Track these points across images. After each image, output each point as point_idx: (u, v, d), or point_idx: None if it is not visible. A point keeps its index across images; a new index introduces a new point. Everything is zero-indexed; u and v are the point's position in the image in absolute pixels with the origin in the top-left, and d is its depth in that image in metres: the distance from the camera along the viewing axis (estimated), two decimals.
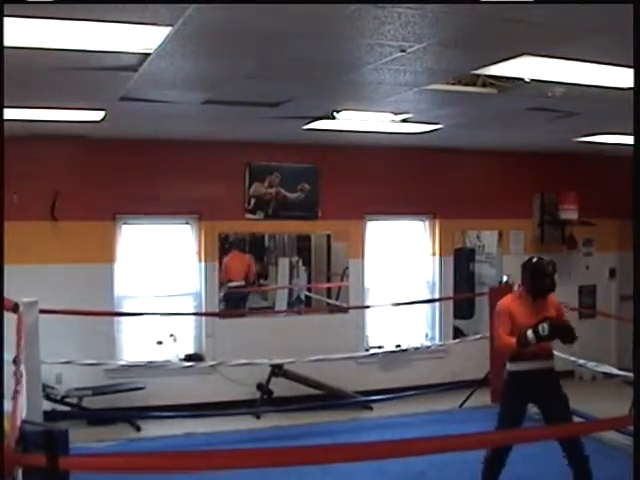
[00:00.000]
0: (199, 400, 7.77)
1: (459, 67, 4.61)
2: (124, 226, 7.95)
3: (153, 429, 7.31)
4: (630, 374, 5.83)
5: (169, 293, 8.19)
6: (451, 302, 9.15)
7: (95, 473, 2.98)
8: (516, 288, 5.92)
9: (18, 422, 3.32)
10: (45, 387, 6.36)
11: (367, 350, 8.70)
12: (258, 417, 7.74)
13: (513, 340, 4.87)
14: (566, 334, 4.87)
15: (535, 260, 5.22)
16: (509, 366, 5.08)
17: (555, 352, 5.35)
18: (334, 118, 6.20)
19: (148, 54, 4.05)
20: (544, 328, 4.75)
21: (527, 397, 5.06)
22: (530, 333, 4.77)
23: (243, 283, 8.45)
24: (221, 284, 8.24)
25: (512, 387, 5.07)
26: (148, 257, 8.10)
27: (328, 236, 8.76)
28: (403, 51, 3.98)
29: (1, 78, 3.16)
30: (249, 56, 4.20)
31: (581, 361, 7.78)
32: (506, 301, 5.19)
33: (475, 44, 3.96)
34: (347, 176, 8.50)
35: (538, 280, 5.08)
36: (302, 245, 8.68)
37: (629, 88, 4.46)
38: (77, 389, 7.30)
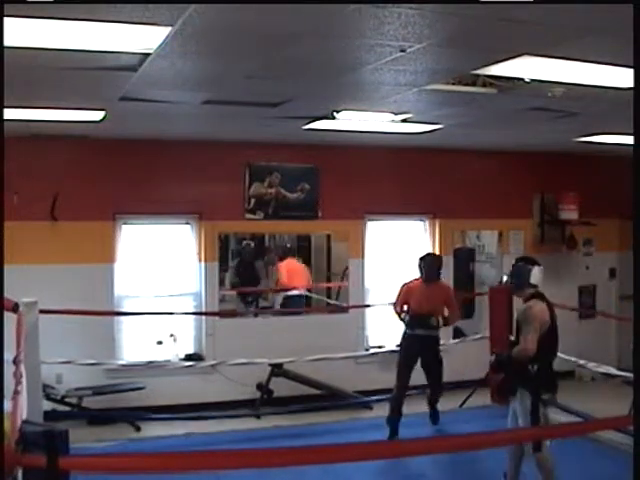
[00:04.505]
0: (199, 400, 7.77)
1: (459, 67, 4.61)
2: (124, 226, 7.95)
3: (153, 429, 7.31)
4: (630, 374, 5.83)
5: (169, 293, 8.20)
6: None
7: (95, 473, 2.99)
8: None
9: (18, 422, 3.31)
10: (45, 387, 6.36)
11: (367, 350, 8.70)
12: (258, 417, 7.74)
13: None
14: None
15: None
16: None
17: None
18: (334, 118, 6.19)
19: (148, 54, 4.05)
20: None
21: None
22: None
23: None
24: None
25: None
26: (148, 257, 8.10)
27: (328, 236, 8.76)
28: (403, 51, 3.97)
29: (1, 78, 3.16)
30: (249, 56, 4.20)
31: (581, 361, 7.78)
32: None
33: (475, 44, 3.96)
34: (347, 176, 8.50)
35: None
36: (302, 245, 8.68)
37: (629, 88, 4.46)
38: (77, 389, 7.30)
